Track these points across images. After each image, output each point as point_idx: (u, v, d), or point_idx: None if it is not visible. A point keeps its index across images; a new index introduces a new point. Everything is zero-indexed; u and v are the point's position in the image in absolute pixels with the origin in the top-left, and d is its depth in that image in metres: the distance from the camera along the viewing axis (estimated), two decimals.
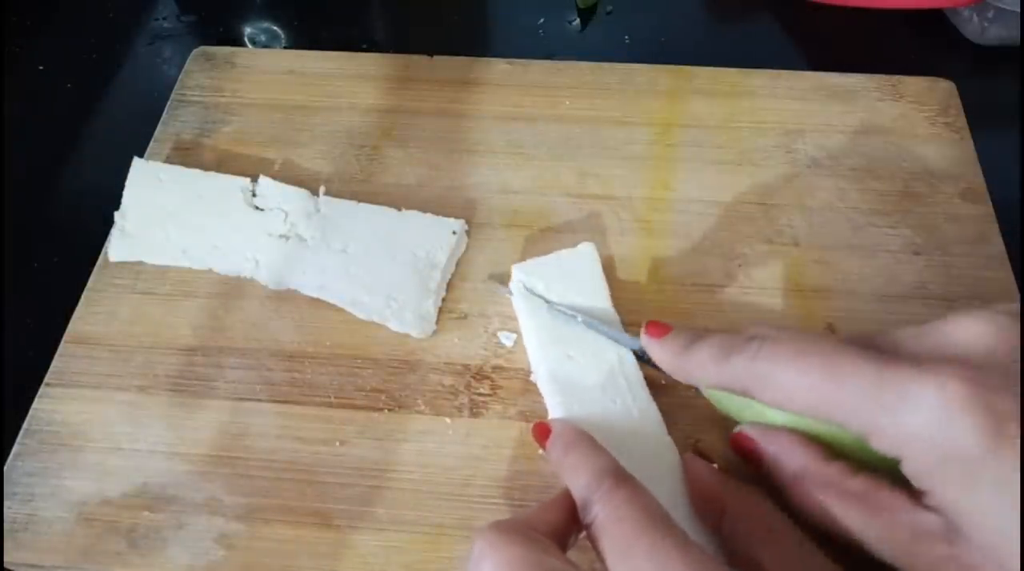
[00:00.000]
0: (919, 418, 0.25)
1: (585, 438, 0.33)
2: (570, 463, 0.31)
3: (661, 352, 0.34)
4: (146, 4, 0.64)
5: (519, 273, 0.42)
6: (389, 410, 0.40)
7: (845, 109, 0.51)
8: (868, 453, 0.28)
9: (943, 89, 0.51)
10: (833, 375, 0.27)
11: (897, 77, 0.52)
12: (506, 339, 0.42)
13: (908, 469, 0.26)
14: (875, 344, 0.28)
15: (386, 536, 0.37)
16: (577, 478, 0.30)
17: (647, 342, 0.35)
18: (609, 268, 0.44)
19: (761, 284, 0.44)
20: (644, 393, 0.37)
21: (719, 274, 0.44)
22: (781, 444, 0.31)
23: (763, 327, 0.31)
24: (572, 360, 0.38)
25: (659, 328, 0.35)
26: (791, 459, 0.30)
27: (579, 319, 0.39)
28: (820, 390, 0.27)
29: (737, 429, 0.33)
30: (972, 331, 0.26)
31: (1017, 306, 0.28)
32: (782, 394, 0.28)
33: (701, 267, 0.45)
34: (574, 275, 0.41)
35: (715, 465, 0.34)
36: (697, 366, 0.32)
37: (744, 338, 0.30)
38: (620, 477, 0.29)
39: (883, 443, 0.27)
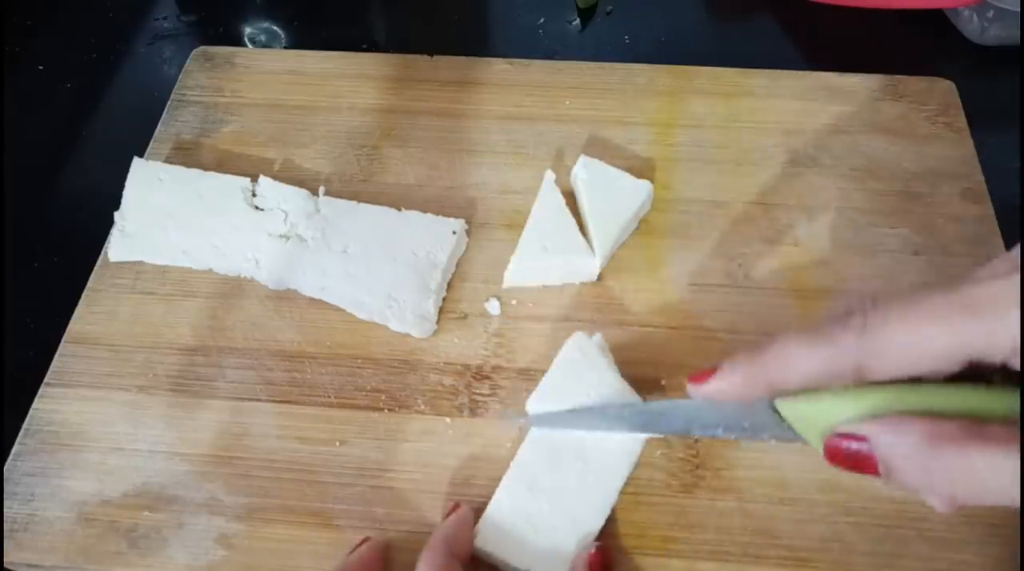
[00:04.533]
0: None
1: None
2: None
3: (724, 380, 0.29)
4: (146, 4, 0.64)
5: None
6: (389, 410, 0.40)
7: (845, 109, 0.51)
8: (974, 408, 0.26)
9: (943, 89, 0.51)
10: (964, 306, 0.24)
11: (897, 77, 0.52)
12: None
13: None
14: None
15: (386, 536, 0.37)
16: None
17: (698, 389, 0.30)
18: (609, 268, 0.45)
19: (761, 284, 0.44)
20: None
21: (719, 274, 0.44)
22: (891, 424, 0.26)
23: (848, 303, 0.27)
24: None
25: (704, 372, 0.30)
26: (911, 430, 0.25)
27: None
28: (955, 327, 0.24)
29: (829, 438, 0.28)
30: None
31: None
32: (909, 354, 0.25)
33: (701, 267, 0.45)
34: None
35: None
36: (783, 365, 0.27)
37: (839, 317, 0.26)
38: None
39: None
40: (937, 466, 0.24)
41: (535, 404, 0.38)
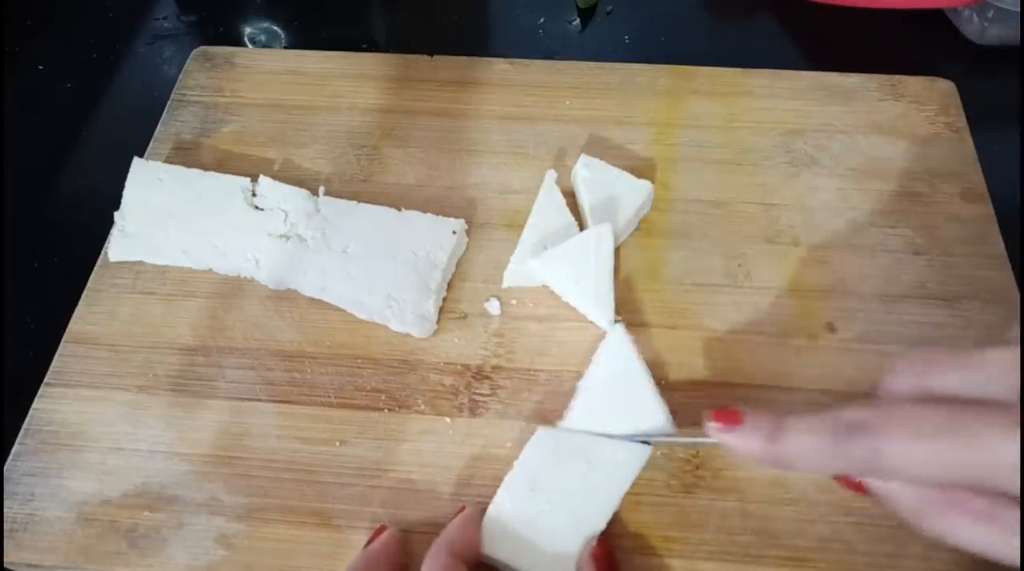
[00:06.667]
0: None
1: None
2: None
3: (743, 443, 0.31)
4: (146, 4, 0.64)
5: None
6: (389, 410, 0.41)
7: (845, 109, 0.51)
8: None
9: (943, 89, 0.51)
10: (964, 440, 0.26)
11: (897, 77, 0.52)
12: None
13: None
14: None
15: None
16: None
17: (718, 433, 0.31)
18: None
19: (761, 284, 0.44)
20: None
21: (719, 274, 0.44)
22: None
23: (857, 405, 0.29)
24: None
25: (728, 416, 0.31)
26: (909, 490, 0.29)
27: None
28: (956, 458, 0.26)
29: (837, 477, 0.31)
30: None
31: None
32: (915, 474, 0.27)
33: (701, 267, 0.45)
34: None
35: None
36: (800, 456, 0.30)
37: (847, 420, 0.28)
38: None
39: None
40: (928, 518, 0.28)
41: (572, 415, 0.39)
